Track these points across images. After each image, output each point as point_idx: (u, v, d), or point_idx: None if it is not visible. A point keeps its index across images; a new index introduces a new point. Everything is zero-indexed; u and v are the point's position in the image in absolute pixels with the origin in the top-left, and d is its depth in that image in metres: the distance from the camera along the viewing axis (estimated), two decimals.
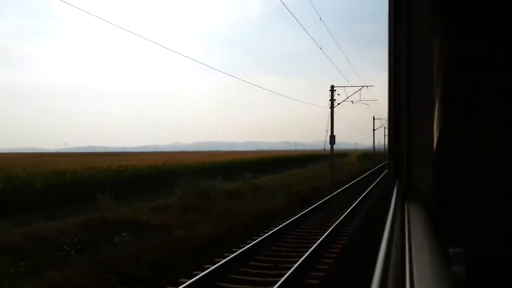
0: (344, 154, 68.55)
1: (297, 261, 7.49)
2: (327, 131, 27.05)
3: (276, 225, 11.14)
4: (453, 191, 1.65)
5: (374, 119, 58.06)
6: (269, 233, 9.95)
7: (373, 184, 22.50)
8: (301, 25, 14.25)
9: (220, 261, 7.52)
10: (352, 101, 31.67)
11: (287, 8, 13.98)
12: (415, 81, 1.70)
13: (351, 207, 13.90)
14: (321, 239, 9.16)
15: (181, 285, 6.25)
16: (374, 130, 58.26)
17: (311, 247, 8.48)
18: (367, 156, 62.80)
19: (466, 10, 1.59)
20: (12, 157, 40.65)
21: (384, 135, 68.97)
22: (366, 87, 31.75)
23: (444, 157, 1.65)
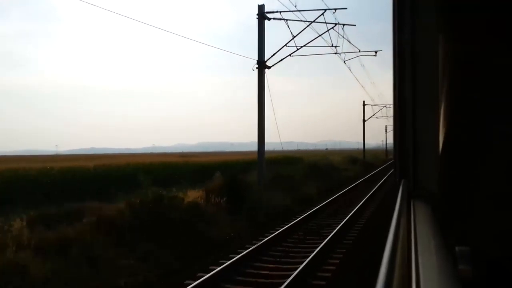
0: (291, 161, 29.14)
1: None
2: None
3: None
4: (459, 190, 1.65)
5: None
6: None
7: None
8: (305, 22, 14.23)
9: None
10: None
11: (287, 7, 13.98)
12: (420, 81, 1.70)
13: None
14: None
15: None
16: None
17: None
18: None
19: (472, 10, 1.59)
20: None
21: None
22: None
23: (449, 157, 1.65)
